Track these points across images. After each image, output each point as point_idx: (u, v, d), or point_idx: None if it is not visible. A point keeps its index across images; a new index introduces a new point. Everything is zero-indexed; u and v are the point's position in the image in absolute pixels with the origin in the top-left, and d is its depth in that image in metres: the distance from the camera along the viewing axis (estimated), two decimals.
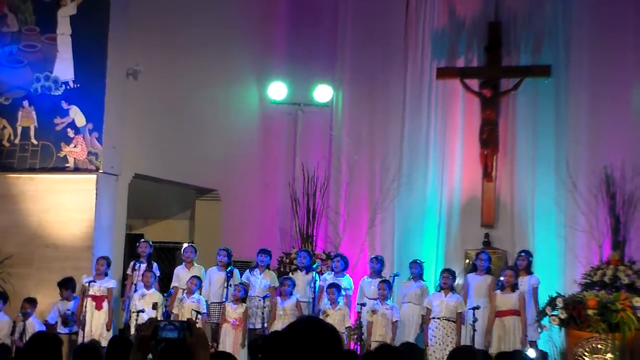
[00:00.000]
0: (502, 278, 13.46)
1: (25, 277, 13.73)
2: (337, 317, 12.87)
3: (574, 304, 12.12)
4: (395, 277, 13.91)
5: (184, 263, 14.11)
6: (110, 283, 13.29)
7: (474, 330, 12.58)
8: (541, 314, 12.71)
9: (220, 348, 12.82)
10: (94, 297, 13.06)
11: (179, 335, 3.83)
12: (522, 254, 13.99)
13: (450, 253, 15.96)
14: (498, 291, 13.21)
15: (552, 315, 12.31)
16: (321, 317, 12.46)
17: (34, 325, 12.40)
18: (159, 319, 8.13)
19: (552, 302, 12.41)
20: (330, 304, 13.21)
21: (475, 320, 12.63)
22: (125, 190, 14.29)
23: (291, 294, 13.48)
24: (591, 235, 14.55)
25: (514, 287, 13.17)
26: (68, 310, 13.03)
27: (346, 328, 13.02)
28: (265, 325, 13.20)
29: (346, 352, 8.22)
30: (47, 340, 6.08)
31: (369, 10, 17.12)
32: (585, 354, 12.05)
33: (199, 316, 12.69)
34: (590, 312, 11.92)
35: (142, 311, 12.75)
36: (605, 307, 11.94)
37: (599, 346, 12.02)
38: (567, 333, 12.39)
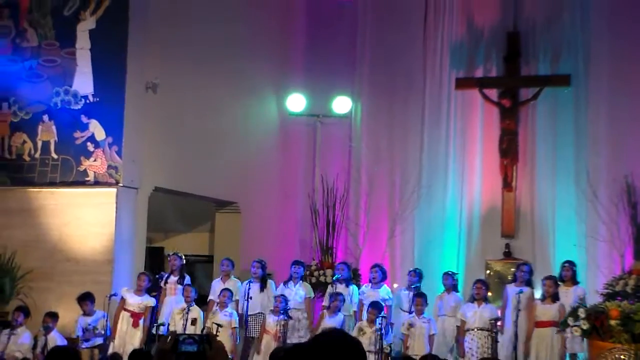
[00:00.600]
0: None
1: (46, 291, 13.77)
2: (373, 337, 12.64)
3: (596, 314, 12.00)
4: (415, 288, 13.81)
5: (220, 276, 14.04)
6: (150, 301, 13.21)
7: (496, 342, 12.51)
8: (563, 324, 12.60)
9: None
10: (133, 314, 13.06)
11: (199, 348, 3.84)
12: (566, 264, 13.44)
13: (471, 264, 15.90)
14: (538, 301, 13.01)
15: (575, 325, 12.20)
16: (356, 333, 12.39)
17: (55, 339, 12.37)
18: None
19: (574, 313, 12.31)
20: (368, 323, 12.97)
21: (497, 331, 12.54)
22: (145, 203, 14.32)
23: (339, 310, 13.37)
24: (613, 244, 14.48)
25: (555, 298, 12.92)
26: (89, 324, 12.99)
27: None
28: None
29: None
30: (66, 354, 6.08)
31: (387, 22, 17.11)
32: None
33: (219, 329, 12.65)
34: (612, 322, 11.80)
35: (163, 324, 12.74)
36: (628, 318, 11.81)
37: (622, 357, 11.89)
38: (590, 344, 12.28)
